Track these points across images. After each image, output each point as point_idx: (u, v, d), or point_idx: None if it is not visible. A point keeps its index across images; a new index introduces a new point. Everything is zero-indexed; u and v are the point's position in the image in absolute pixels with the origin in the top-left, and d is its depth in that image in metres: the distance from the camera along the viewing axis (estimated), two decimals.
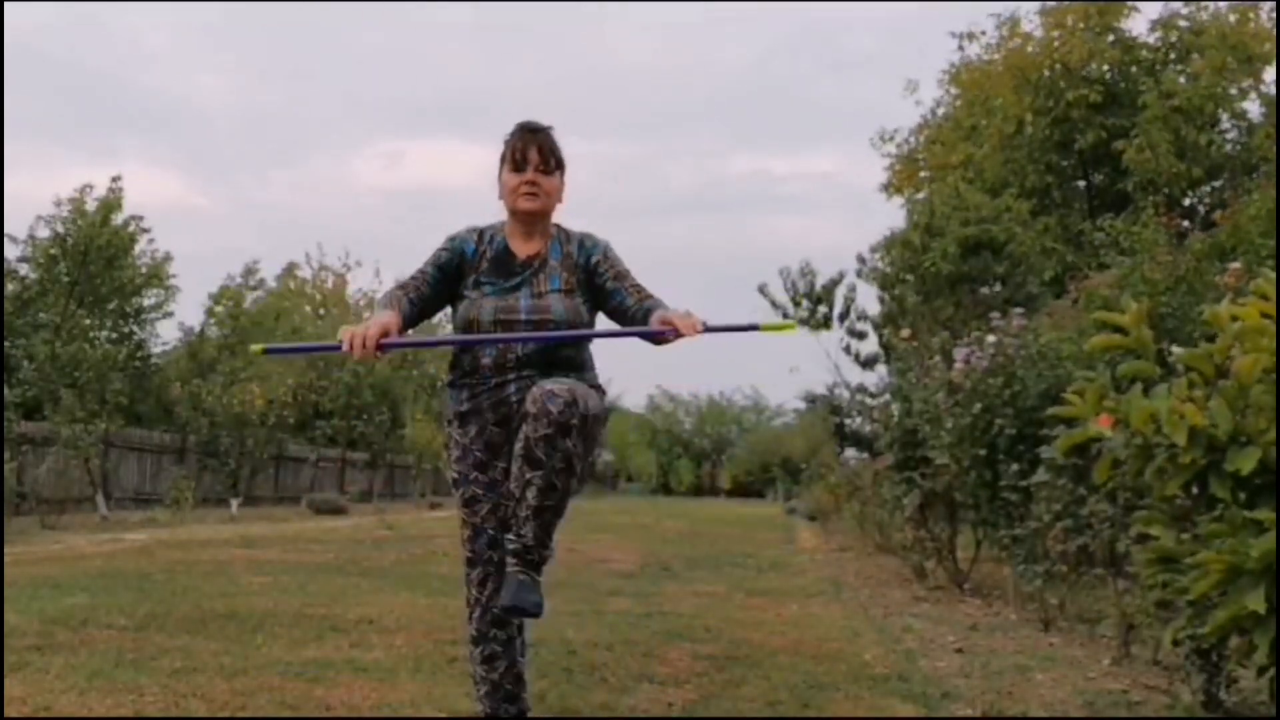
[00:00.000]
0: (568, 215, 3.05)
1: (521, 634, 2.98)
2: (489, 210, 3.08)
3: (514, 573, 2.68)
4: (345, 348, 2.64)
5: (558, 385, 2.65)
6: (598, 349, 3.04)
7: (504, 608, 2.70)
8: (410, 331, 3.03)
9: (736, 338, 2.80)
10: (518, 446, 2.68)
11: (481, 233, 2.99)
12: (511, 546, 2.70)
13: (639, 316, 2.84)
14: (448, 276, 2.96)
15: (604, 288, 2.93)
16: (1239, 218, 8.26)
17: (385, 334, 2.70)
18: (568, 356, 2.87)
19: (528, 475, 2.65)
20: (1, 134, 15.87)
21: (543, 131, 2.94)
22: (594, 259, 2.95)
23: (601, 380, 3.00)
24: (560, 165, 2.95)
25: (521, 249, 2.94)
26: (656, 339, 2.70)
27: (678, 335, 2.66)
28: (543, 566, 2.71)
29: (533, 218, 2.93)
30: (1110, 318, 2.68)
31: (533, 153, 2.90)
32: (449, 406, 2.98)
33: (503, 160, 2.95)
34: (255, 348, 2.89)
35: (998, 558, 7.28)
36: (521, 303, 2.86)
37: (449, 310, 3.05)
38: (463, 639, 4.57)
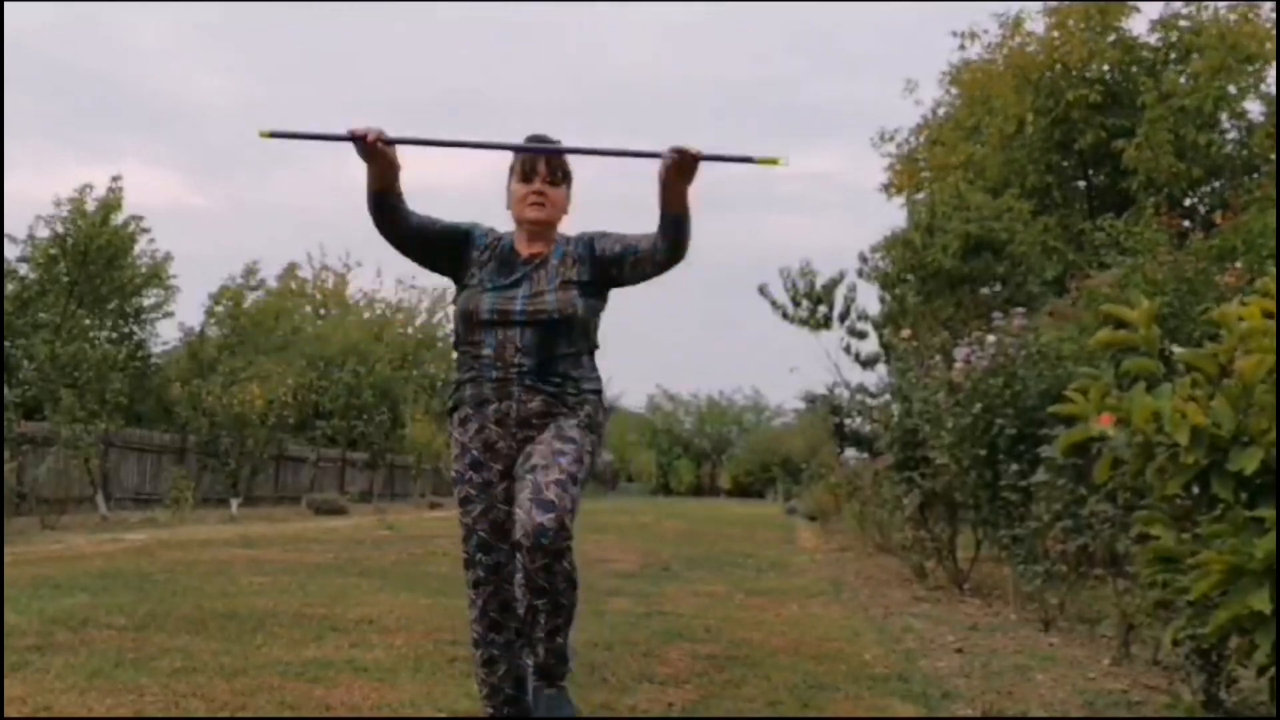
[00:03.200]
0: (574, 220, 3.12)
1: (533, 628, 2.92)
2: (488, 208, 3.12)
3: (541, 688, 2.85)
4: (352, 133, 2.80)
5: (544, 497, 2.72)
6: (601, 351, 3.07)
7: None
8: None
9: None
10: (519, 576, 2.78)
11: (495, 233, 3.07)
12: (535, 664, 2.88)
13: (650, 243, 2.94)
14: (447, 236, 3.03)
15: (612, 253, 2.99)
16: (1251, 222, 8.25)
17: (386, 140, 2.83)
18: (566, 354, 2.93)
19: (534, 602, 2.79)
20: (1, 134, 15.90)
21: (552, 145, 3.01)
22: (595, 244, 3.02)
23: (602, 375, 3.05)
24: (567, 177, 3.04)
25: (525, 249, 3.01)
26: (658, 162, 2.79)
27: (675, 159, 2.76)
28: (568, 674, 2.87)
29: (539, 227, 3.00)
30: (1117, 311, 2.68)
31: (541, 164, 2.99)
32: (451, 403, 3.03)
33: (511, 170, 3.03)
34: (262, 131, 2.87)
35: (998, 558, 7.28)
36: (518, 298, 2.92)
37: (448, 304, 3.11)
38: (464, 640, 4.58)
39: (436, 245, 3.03)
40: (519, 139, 3.03)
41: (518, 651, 2.99)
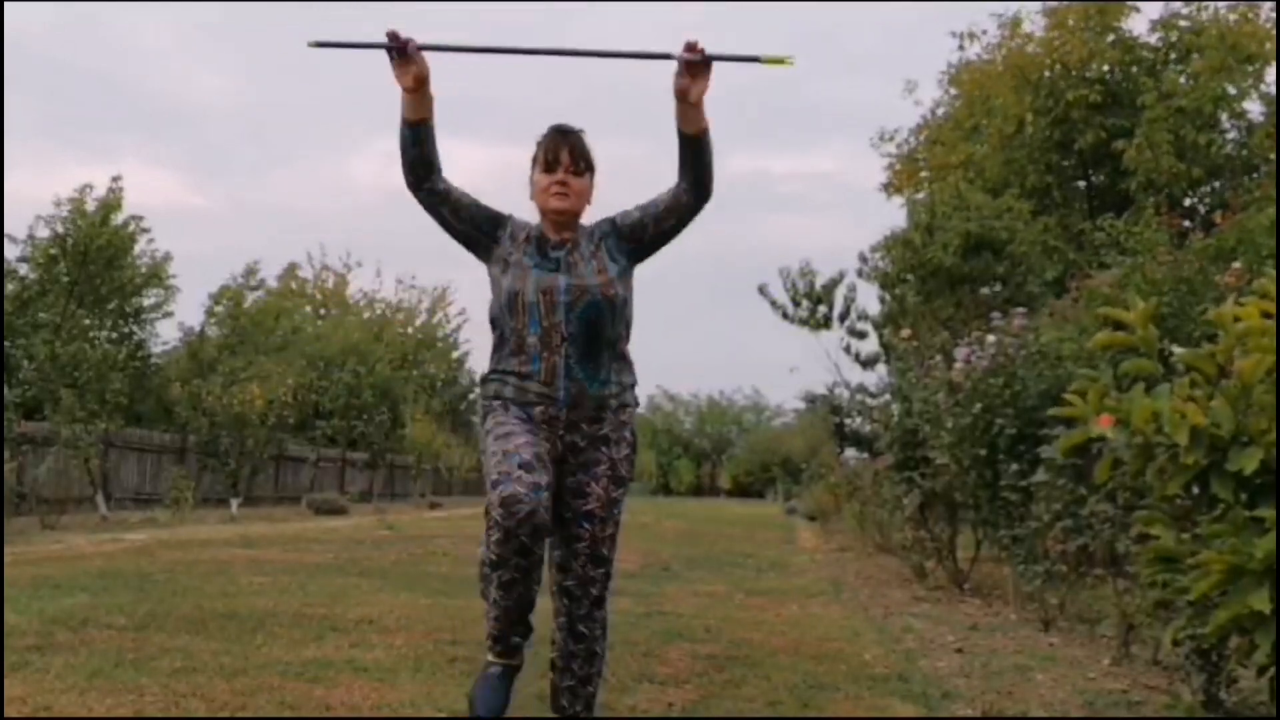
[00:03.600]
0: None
1: (542, 565, 2.87)
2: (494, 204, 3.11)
3: None
4: (391, 39, 2.85)
5: (599, 552, 2.92)
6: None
7: None
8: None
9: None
10: (561, 619, 2.96)
11: (526, 222, 3.06)
12: (560, 709, 2.99)
13: (672, 192, 2.98)
14: (484, 214, 3.03)
15: (634, 220, 3.02)
16: (1246, 224, 8.25)
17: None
18: (610, 339, 2.95)
19: (572, 648, 2.96)
20: (1, 134, 15.89)
21: (574, 134, 3.02)
22: (617, 221, 3.04)
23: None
24: (590, 167, 3.03)
25: (554, 235, 3.01)
26: (675, 66, 2.84)
27: (686, 62, 2.82)
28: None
29: (563, 217, 2.99)
30: (1115, 313, 2.68)
31: (564, 154, 2.97)
32: (490, 393, 2.98)
33: (534, 161, 3.02)
34: (310, 41, 2.91)
35: (998, 558, 7.28)
36: (560, 280, 2.92)
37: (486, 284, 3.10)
38: (465, 640, 4.58)
39: (470, 217, 3.01)
40: (520, 136, 3.05)
41: (535, 579, 2.84)
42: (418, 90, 2.89)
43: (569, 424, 2.90)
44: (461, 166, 3.11)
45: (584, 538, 2.92)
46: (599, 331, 2.91)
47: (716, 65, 2.84)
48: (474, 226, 3.00)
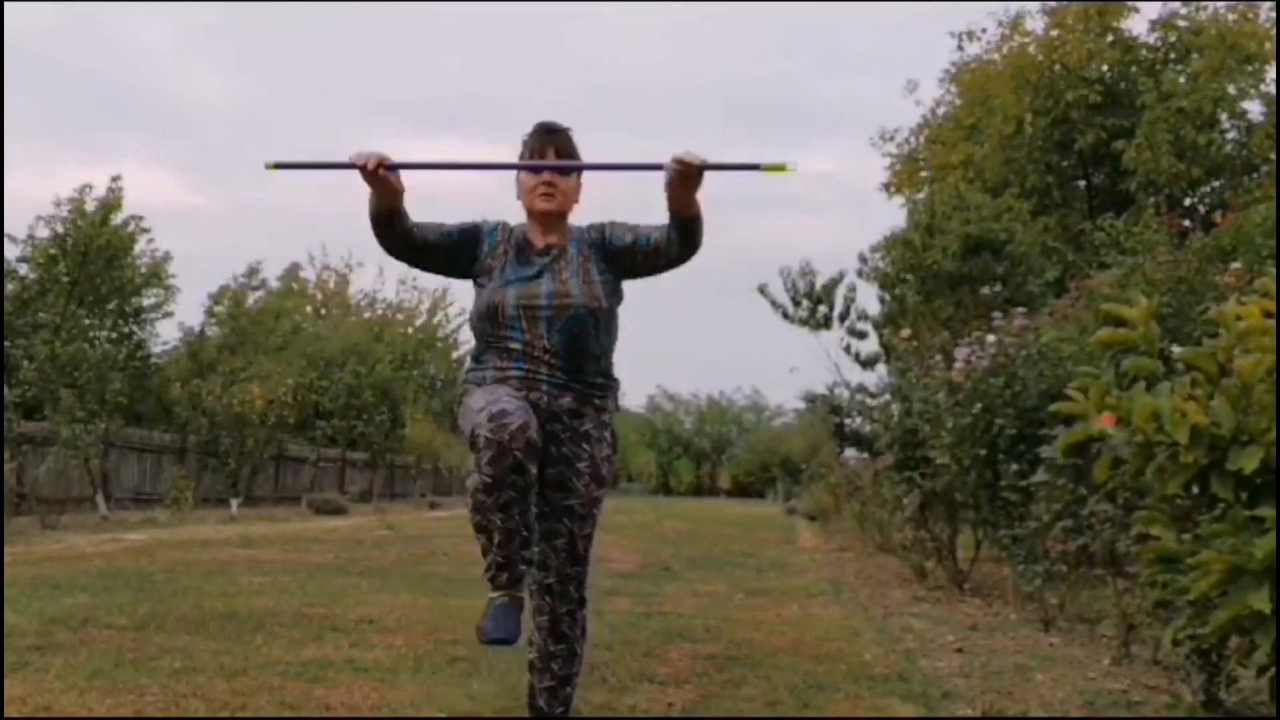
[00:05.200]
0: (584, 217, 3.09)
1: (534, 491, 2.77)
2: (486, 209, 3.10)
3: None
4: (358, 162, 2.75)
5: (578, 551, 2.91)
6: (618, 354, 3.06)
7: None
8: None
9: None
10: (543, 619, 2.92)
11: (506, 226, 3.02)
12: (536, 707, 2.96)
13: (661, 235, 2.89)
14: (459, 239, 2.97)
15: (622, 244, 2.95)
16: (1244, 222, 8.26)
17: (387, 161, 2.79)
18: (594, 352, 2.91)
19: (553, 648, 2.93)
20: (1, 134, 15.91)
21: (560, 133, 2.98)
22: (606, 233, 2.98)
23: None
24: None
25: (540, 240, 2.97)
26: (662, 174, 2.74)
27: (679, 170, 2.69)
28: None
29: (550, 218, 2.96)
30: (1117, 310, 2.68)
31: (550, 154, 2.94)
32: (473, 381, 2.93)
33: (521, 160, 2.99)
34: (268, 163, 2.87)
35: (998, 558, 7.28)
36: (543, 288, 2.88)
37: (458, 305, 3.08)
38: (465, 639, 4.58)
39: (450, 252, 2.96)
40: (520, 135, 3.01)
41: (531, 500, 2.75)
42: (390, 197, 2.84)
43: (550, 413, 2.85)
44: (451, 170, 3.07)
45: (563, 534, 2.88)
46: (582, 345, 2.87)
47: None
48: (451, 259, 2.97)
